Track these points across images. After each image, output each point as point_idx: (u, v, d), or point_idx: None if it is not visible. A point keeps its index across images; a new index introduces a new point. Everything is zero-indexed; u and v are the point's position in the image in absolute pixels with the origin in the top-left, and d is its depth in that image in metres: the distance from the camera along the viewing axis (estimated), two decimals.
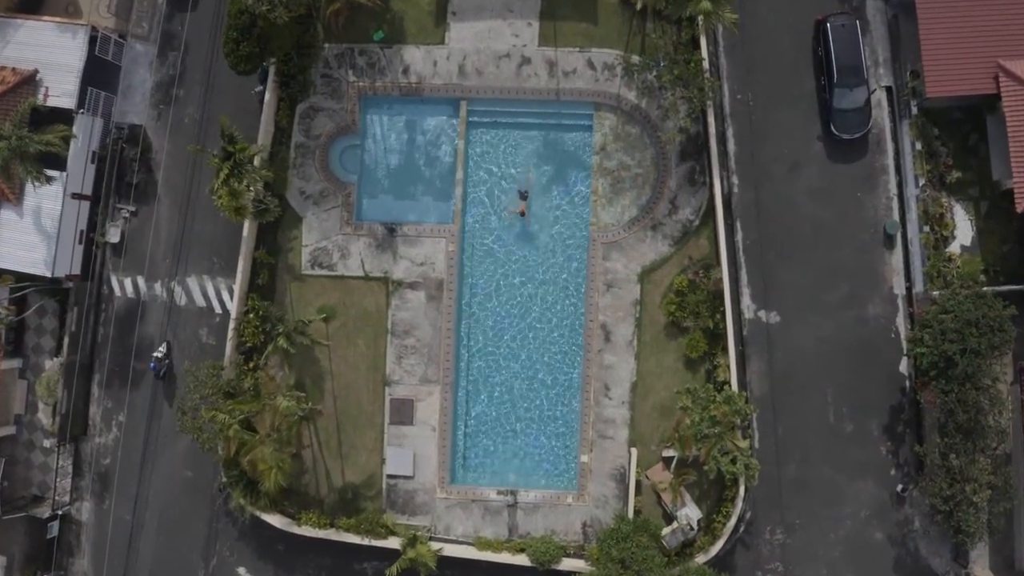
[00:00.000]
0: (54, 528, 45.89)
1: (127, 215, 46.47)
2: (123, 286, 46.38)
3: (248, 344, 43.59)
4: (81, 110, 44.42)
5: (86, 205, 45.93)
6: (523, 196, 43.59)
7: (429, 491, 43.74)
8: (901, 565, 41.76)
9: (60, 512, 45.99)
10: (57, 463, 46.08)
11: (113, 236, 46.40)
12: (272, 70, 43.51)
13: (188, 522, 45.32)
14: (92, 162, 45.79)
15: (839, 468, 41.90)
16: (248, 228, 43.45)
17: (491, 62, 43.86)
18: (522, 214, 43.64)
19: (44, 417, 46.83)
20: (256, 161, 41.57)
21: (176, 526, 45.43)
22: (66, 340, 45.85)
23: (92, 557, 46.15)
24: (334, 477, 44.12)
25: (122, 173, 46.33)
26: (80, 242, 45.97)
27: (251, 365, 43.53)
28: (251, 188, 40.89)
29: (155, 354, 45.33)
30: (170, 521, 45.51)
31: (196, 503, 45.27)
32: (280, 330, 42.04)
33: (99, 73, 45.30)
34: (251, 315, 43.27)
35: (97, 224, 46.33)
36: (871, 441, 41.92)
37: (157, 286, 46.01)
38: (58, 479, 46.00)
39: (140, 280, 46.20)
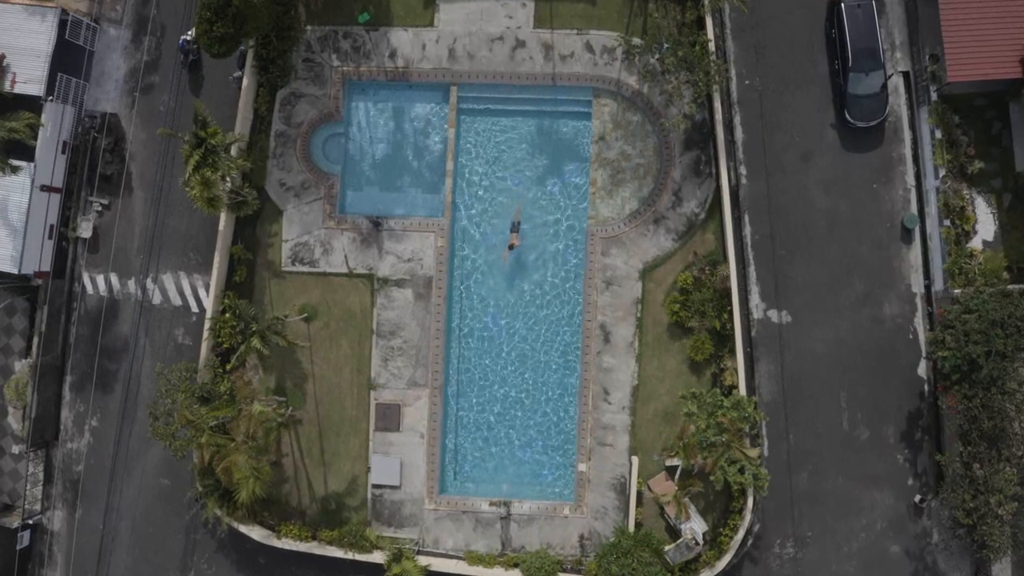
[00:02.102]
0: (25, 538, 45.22)
1: (100, 209, 45.70)
2: (95, 283, 45.75)
3: (225, 345, 42.96)
4: (50, 97, 43.68)
5: (56, 198, 45.15)
6: (515, 228, 43.20)
7: (417, 502, 43.19)
8: None
9: (31, 521, 45.36)
10: (27, 470, 45.34)
11: (85, 231, 45.60)
12: (250, 54, 42.99)
13: (164, 532, 44.79)
14: (63, 152, 45.03)
15: (854, 478, 41.39)
16: (224, 222, 43.02)
17: (483, 45, 43.27)
18: (511, 247, 42.99)
19: (14, 421, 46.05)
20: (233, 150, 41.19)
21: (152, 536, 44.90)
22: (36, 340, 45.18)
23: (64, 568, 45.42)
24: (316, 486, 43.64)
25: (94, 164, 45.55)
26: (50, 237, 45.17)
27: (228, 367, 42.88)
28: (227, 178, 40.33)
29: (184, 37, 43.60)
30: (145, 531, 44.93)
31: (173, 512, 44.68)
32: (254, 329, 41.29)
33: (70, 58, 44.49)
34: (227, 314, 42.46)
35: (68, 218, 45.47)
36: (888, 449, 41.34)
37: (131, 283, 45.41)
38: (28, 487, 45.32)
39: (113, 277, 45.53)
